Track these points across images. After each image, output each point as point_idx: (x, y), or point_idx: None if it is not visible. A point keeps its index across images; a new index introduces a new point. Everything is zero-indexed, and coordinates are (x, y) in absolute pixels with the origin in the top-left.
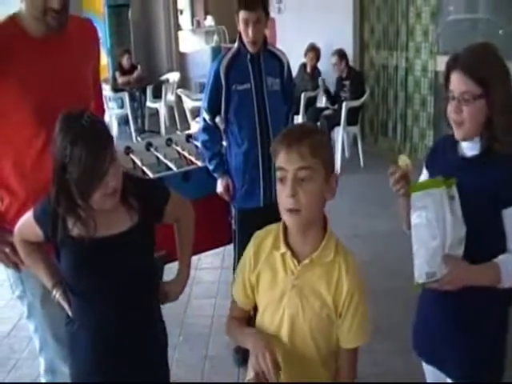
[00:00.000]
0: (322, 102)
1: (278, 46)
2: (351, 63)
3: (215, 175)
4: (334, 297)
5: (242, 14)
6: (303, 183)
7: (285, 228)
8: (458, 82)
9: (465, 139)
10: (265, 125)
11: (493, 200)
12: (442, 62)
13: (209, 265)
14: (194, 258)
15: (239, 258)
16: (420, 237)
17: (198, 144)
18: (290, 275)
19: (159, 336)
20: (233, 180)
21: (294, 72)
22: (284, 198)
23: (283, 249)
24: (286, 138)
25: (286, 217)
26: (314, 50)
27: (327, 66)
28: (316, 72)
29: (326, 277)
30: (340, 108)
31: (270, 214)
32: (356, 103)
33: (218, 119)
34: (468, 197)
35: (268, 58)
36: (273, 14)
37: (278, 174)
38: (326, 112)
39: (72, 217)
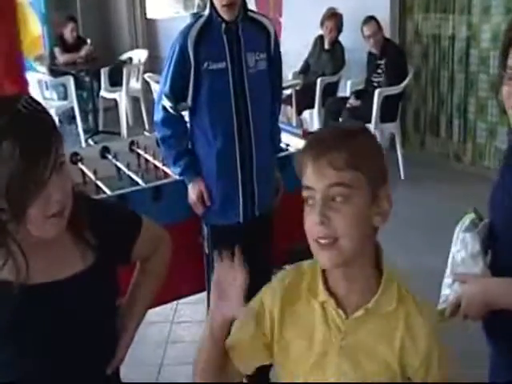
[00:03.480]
0: (345, 89)
1: (285, 11)
2: (388, 35)
3: (185, 179)
4: (401, 359)
5: None
6: (340, 205)
7: (323, 268)
8: None
9: None
10: (244, 115)
11: None
12: None
13: (189, 316)
14: (169, 307)
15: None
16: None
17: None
18: (336, 333)
19: None
20: (207, 186)
21: (308, 47)
22: (312, 226)
23: (324, 296)
24: (315, 144)
25: (315, 249)
26: (334, 18)
27: (352, 40)
28: (337, 48)
29: (388, 333)
30: (372, 98)
31: (253, 232)
32: (394, 90)
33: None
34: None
35: (249, 27)
36: None
37: (305, 193)
38: (352, 103)
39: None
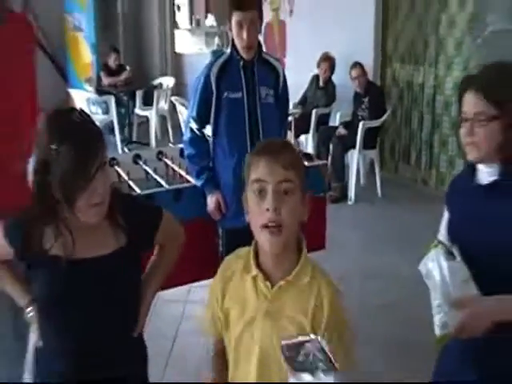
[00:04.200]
0: (335, 120)
1: (289, 53)
2: (371, 78)
3: (206, 191)
4: (313, 324)
5: (235, 16)
6: (286, 197)
7: (255, 249)
8: (472, 103)
9: (479, 161)
10: (256, 137)
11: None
12: None
13: (200, 297)
14: (184, 289)
15: None
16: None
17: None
18: (263, 300)
19: (137, 366)
20: (223, 196)
21: (305, 83)
22: (262, 213)
23: (254, 271)
24: (267, 148)
25: (263, 234)
26: (328, 61)
27: (342, 80)
28: (330, 86)
29: (302, 301)
30: (356, 128)
31: None
32: (375, 123)
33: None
34: (489, 225)
35: (262, 66)
36: (283, 16)
37: (256, 186)
38: (340, 132)
39: (50, 229)
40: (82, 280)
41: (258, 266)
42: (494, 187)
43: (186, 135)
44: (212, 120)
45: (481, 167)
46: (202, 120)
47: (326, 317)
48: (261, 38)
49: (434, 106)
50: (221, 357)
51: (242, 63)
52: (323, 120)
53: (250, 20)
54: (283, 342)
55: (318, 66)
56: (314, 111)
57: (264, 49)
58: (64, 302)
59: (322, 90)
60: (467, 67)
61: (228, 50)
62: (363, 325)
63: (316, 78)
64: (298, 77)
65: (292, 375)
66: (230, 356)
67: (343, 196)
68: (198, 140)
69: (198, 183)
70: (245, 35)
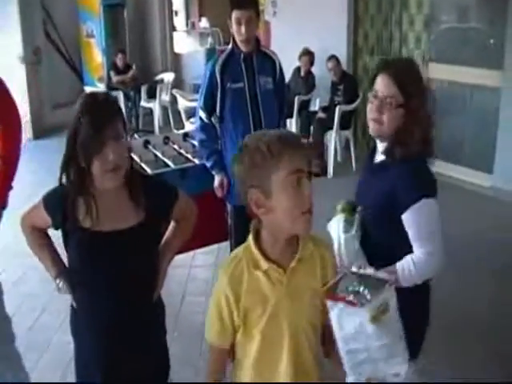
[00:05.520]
0: (315, 105)
1: (273, 49)
2: (345, 68)
3: (213, 172)
4: (321, 283)
5: (234, 14)
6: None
7: (258, 245)
8: (385, 85)
9: (378, 136)
10: (258, 121)
11: (393, 204)
12: (433, 69)
13: (203, 262)
14: (189, 255)
15: None
16: None
17: (195, 143)
18: (280, 287)
19: (157, 325)
20: (228, 176)
21: (288, 75)
22: (303, 200)
23: (265, 265)
24: (294, 140)
25: (304, 220)
26: (308, 55)
27: (320, 71)
28: (310, 76)
29: (311, 269)
30: (333, 112)
31: None
32: (349, 107)
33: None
34: (375, 200)
35: (260, 57)
36: (268, 17)
37: (294, 177)
38: (319, 115)
39: (82, 203)
40: (103, 251)
41: (267, 258)
42: (380, 166)
43: (197, 123)
44: (218, 109)
45: (378, 144)
46: (208, 109)
47: (330, 276)
48: (262, 34)
49: None
50: (221, 366)
51: (242, 56)
52: (304, 106)
53: (248, 17)
54: (325, 289)
55: (299, 59)
56: (296, 98)
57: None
58: (89, 270)
59: (303, 79)
60: (425, 58)
61: (230, 46)
62: None
63: (298, 69)
64: None
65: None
66: (253, 349)
67: (324, 171)
68: (206, 127)
69: (208, 164)
70: (243, 30)
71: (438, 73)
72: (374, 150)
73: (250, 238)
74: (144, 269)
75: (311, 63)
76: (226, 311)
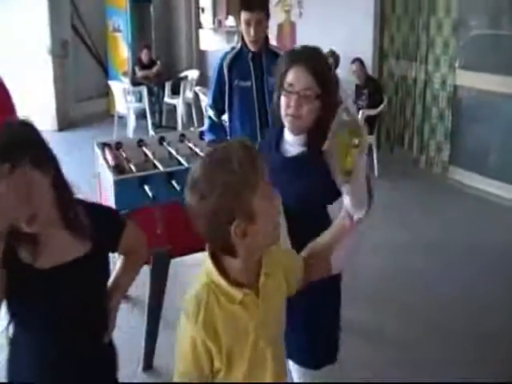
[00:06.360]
0: None
1: None
2: (370, 72)
3: None
4: (286, 280)
5: (243, 15)
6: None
7: (225, 276)
8: (301, 77)
9: (298, 133)
10: (265, 123)
11: (321, 194)
12: (461, 77)
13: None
14: (206, 254)
15: None
16: None
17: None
18: (255, 310)
19: (107, 365)
20: None
21: None
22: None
23: (239, 294)
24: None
25: (276, 234)
26: (333, 57)
27: (344, 73)
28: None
29: (277, 275)
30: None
31: None
32: (373, 112)
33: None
34: (294, 193)
35: (270, 56)
36: (293, 18)
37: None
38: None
39: (20, 240)
40: (50, 286)
41: (238, 284)
42: (302, 157)
43: (206, 123)
44: (227, 107)
45: (289, 138)
46: (217, 108)
47: (292, 267)
48: (270, 34)
49: (424, 97)
50: None
51: (250, 55)
52: None
53: (257, 19)
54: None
55: None
56: None
57: (275, 42)
58: (33, 307)
59: None
60: (452, 65)
61: (239, 45)
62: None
63: None
64: None
65: None
66: (238, 377)
67: None
68: (215, 126)
69: None
70: (252, 32)
71: (465, 80)
72: (277, 144)
73: (211, 271)
74: (92, 305)
75: (336, 66)
76: (199, 346)
